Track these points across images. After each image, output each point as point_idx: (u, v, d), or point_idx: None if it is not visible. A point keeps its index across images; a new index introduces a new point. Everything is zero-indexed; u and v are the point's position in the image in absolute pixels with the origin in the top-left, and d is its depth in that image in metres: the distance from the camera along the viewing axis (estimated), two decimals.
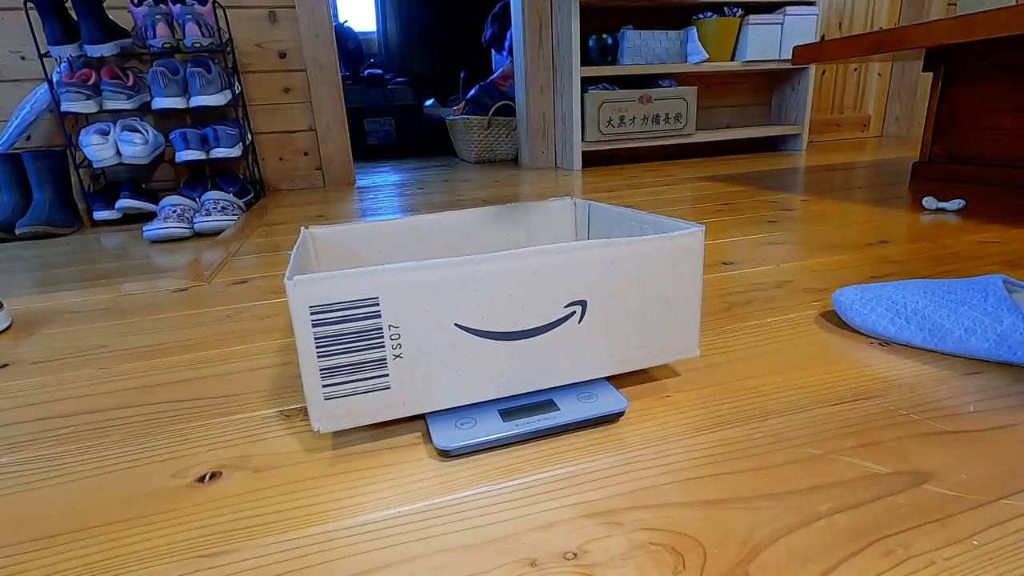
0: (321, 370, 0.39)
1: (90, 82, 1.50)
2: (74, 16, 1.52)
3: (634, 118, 2.25)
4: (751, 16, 2.28)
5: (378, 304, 0.39)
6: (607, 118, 2.22)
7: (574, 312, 0.44)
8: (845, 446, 0.40)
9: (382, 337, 0.39)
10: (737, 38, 2.33)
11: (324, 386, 0.39)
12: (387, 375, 0.40)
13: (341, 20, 3.70)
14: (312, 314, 0.38)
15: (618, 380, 0.50)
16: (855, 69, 2.80)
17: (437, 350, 0.41)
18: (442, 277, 0.39)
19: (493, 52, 3.39)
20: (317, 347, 0.38)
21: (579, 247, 0.43)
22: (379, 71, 3.64)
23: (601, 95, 2.19)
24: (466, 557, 0.32)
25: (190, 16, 1.53)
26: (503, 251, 0.41)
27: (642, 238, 0.45)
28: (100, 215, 1.53)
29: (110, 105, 1.51)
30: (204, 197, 1.46)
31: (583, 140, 2.25)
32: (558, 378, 0.45)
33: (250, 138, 1.86)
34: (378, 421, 0.42)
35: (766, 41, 2.31)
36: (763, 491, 0.36)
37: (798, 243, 0.96)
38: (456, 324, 0.41)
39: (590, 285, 0.43)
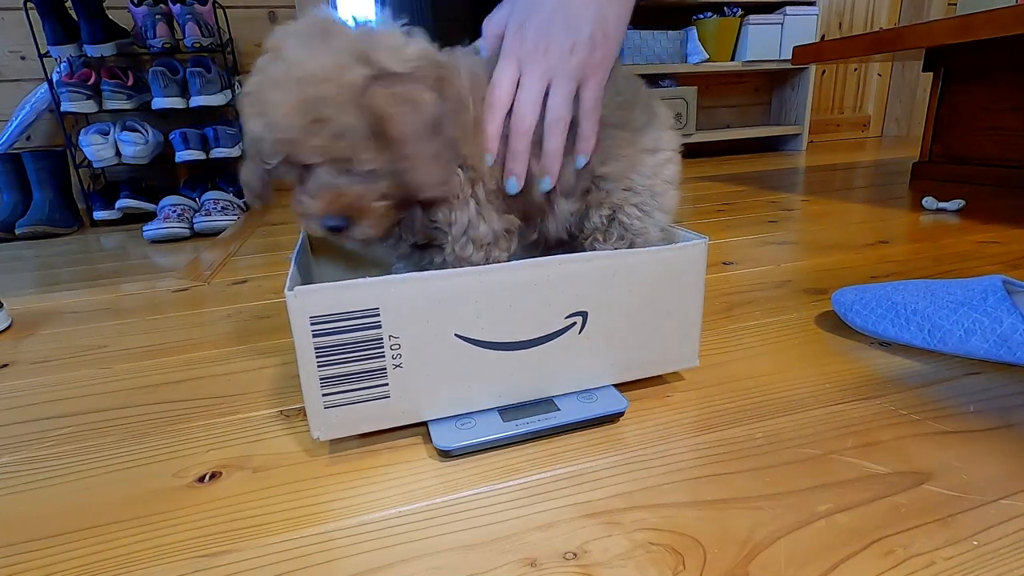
0: (321, 379, 0.39)
1: (90, 82, 1.49)
2: (74, 16, 1.51)
3: None
4: (751, 16, 2.28)
5: (378, 315, 0.39)
6: None
7: (575, 323, 0.43)
8: (845, 446, 0.40)
9: (382, 347, 0.39)
10: (737, 38, 2.33)
11: (324, 395, 0.39)
12: (387, 385, 0.40)
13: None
14: (312, 325, 0.37)
15: None
16: (855, 69, 2.79)
17: (437, 360, 0.41)
18: (442, 288, 0.39)
19: None
20: (317, 357, 0.38)
21: (581, 259, 0.42)
22: None
23: None
24: (466, 557, 0.32)
25: (190, 16, 1.53)
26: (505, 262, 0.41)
27: (645, 250, 0.44)
28: (100, 215, 1.52)
29: (110, 105, 1.51)
30: (204, 197, 1.46)
31: None
32: (557, 388, 0.45)
33: None
34: (378, 429, 0.42)
35: (766, 41, 2.31)
36: (763, 491, 0.36)
37: (798, 243, 0.96)
38: (456, 335, 0.41)
39: (591, 296, 0.43)
